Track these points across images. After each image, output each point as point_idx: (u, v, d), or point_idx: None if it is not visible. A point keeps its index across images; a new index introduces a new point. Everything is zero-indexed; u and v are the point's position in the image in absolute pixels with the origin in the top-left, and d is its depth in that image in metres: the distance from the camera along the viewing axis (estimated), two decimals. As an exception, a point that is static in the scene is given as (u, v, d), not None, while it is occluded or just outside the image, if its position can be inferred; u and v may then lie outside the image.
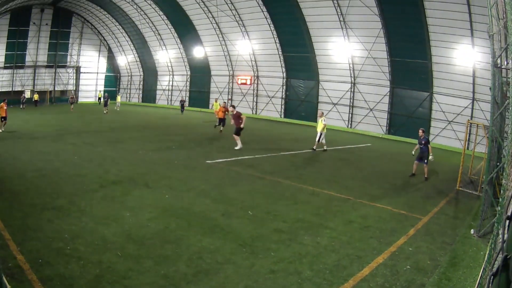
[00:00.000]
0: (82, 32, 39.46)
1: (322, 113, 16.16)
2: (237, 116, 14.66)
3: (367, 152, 17.13)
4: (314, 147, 15.38)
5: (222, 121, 19.50)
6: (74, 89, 39.74)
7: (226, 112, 19.18)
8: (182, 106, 32.72)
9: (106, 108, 28.87)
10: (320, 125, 15.18)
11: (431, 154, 11.57)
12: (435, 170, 13.31)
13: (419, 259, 5.79)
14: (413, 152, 12.28)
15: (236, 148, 14.36)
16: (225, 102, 24.98)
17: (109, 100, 30.21)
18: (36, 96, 34.32)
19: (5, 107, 17.03)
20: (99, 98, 39.24)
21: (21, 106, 31.20)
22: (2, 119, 16.77)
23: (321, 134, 15.09)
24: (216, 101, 25.19)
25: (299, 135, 20.99)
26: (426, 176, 11.77)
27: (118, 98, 34.91)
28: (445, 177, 12.64)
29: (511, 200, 3.26)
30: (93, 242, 5.47)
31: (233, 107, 16.12)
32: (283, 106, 30.93)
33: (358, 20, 24.07)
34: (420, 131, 12.09)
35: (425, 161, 11.64)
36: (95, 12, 38.48)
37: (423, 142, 11.71)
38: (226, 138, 17.53)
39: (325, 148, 15.58)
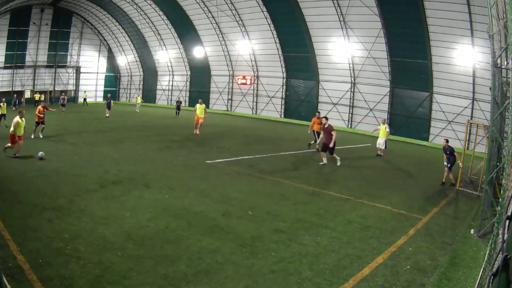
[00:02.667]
0: (82, 32, 39.49)
1: (385, 120, 16.57)
2: (328, 131, 12.65)
3: (367, 152, 17.12)
4: (382, 154, 15.96)
5: (318, 135, 15.48)
6: (75, 89, 39.69)
7: (321, 125, 15.57)
8: (178, 107, 29.68)
9: (108, 110, 25.32)
10: (384, 132, 15.74)
11: (458, 160, 11.32)
12: (436, 170, 13.30)
13: (419, 259, 5.78)
14: (445, 162, 11.80)
15: (320, 163, 12.68)
16: (319, 112, 17.84)
17: (111, 101, 26.44)
18: (37, 96, 34.16)
19: (42, 110, 15.11)
20: (84, 99, 36.59)
21: (13, 108, 28.62)
22: (39, 124, 14.95)
23: (385, 140, 15.83)
24: (200, 103, 19.16)
25: (299, 135, 20.96)
26: (443, 180, 11.49)
27: (138, 99, 31.97)
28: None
29: (511, 200, 3.26)
30: (93, 242, 5.47)
31: (326, 118, 13.26)
32: (283, 106, 30.93)
33: (358, 20, 24.08)
34: (444, 141, 11.89)
35: (448, 165, 11.38)
36: (95, 12, 38.51)
37: (447, 152, 11.51)
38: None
39: (379, 153, 16.05)
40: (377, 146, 16.10)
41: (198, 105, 19.14)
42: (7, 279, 4.06)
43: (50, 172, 9.43)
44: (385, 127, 15.83)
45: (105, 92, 42.22)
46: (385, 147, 15.98)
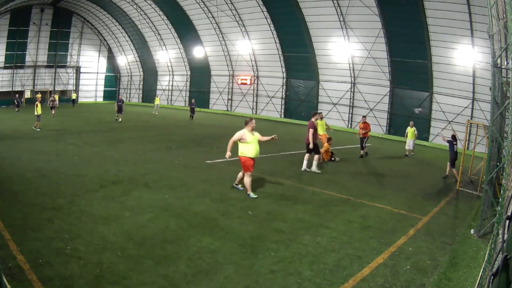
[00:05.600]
0: (82, 32, 39.50)
1: (413, 123, 17.40)
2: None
3: (367, 152, 17.11)
4: (413, 154, 17.13)
5: (363, 141, 15.15)
6: (75, 89, 39.63)
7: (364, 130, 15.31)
8: (193, 110, 26.29)
9: (119, 114, 22.65)
10: (412, 134, 16.79)
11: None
12: (436, 170, 13.30)
13: (419, 259, 5.78)
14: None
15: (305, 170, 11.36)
16: (364, 117, 16.10)
17: (123, 104, 23.40)
18: (38, 96, 34.07)
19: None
20: (73, 100, 35.04)
21: (16, 110, 26.88)
22: None
23: (414, 142, 17.01)
24: (320, 118, 13.75)
25: (299, 135, 20.93)
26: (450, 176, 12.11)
27: (157, 100, 30.66)
28: (445, 177, 12.64)
29: (511, 200, 3.26)
30: (93, 242, 5.46)
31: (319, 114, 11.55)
32: (283, 106, 30.94)
33: (358, 20, 24.09)
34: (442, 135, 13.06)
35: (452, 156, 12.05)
36: (95, 12, 38.52)
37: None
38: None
39: (407, 154, 17.16)
40: (407, 147, 17.02)
41: (318, 121, 13.46)
42: (7, 279, 4.06)
43: (50, 172, 9.43)
44: (414, 130, 16.79)
45: (105, 92, 42.24)
46: (413, 147, 17.06)
